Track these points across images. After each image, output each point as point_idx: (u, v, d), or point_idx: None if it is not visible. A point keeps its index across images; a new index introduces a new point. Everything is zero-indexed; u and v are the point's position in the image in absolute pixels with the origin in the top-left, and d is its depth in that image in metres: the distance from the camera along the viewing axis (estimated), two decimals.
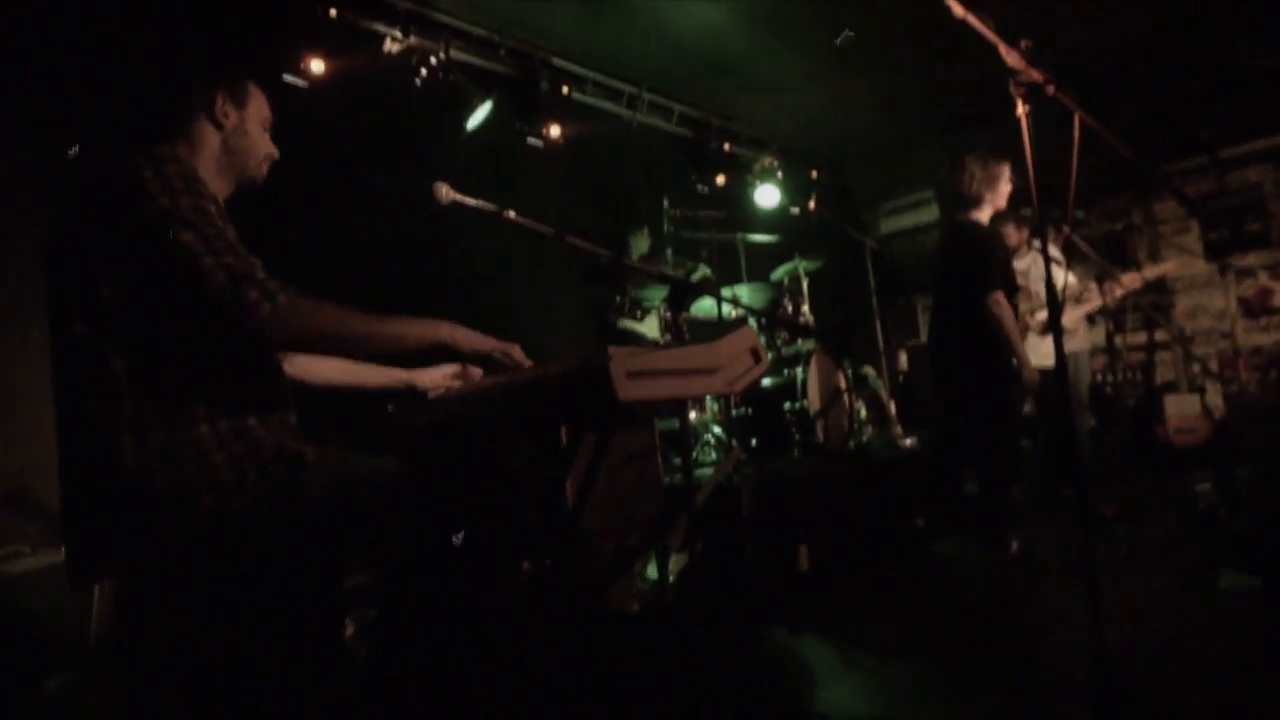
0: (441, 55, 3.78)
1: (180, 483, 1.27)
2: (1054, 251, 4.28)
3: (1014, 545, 3.20)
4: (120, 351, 1.29)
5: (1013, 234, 4.35)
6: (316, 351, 1.51)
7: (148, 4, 2.98)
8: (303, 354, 1.68)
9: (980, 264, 3.22)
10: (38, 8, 2.88)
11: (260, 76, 1.63)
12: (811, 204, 5.20)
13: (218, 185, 1.51)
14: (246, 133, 1.55)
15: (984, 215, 3.42)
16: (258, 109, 1.59)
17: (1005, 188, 3.38)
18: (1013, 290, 3.38)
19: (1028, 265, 4.28)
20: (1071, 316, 4.13)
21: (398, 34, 3.68)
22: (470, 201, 1.82)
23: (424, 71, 3.69)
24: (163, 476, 1.27)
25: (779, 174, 5.52)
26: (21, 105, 2.85)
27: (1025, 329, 4.18)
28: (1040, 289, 4.25)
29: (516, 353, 1.61)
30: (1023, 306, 4.15)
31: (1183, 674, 2.01)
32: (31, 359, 2.78)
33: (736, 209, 5.31)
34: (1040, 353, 4.19)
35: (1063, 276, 4.28)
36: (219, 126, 1.52)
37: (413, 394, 1.79)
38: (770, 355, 4.21)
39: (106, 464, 1.27)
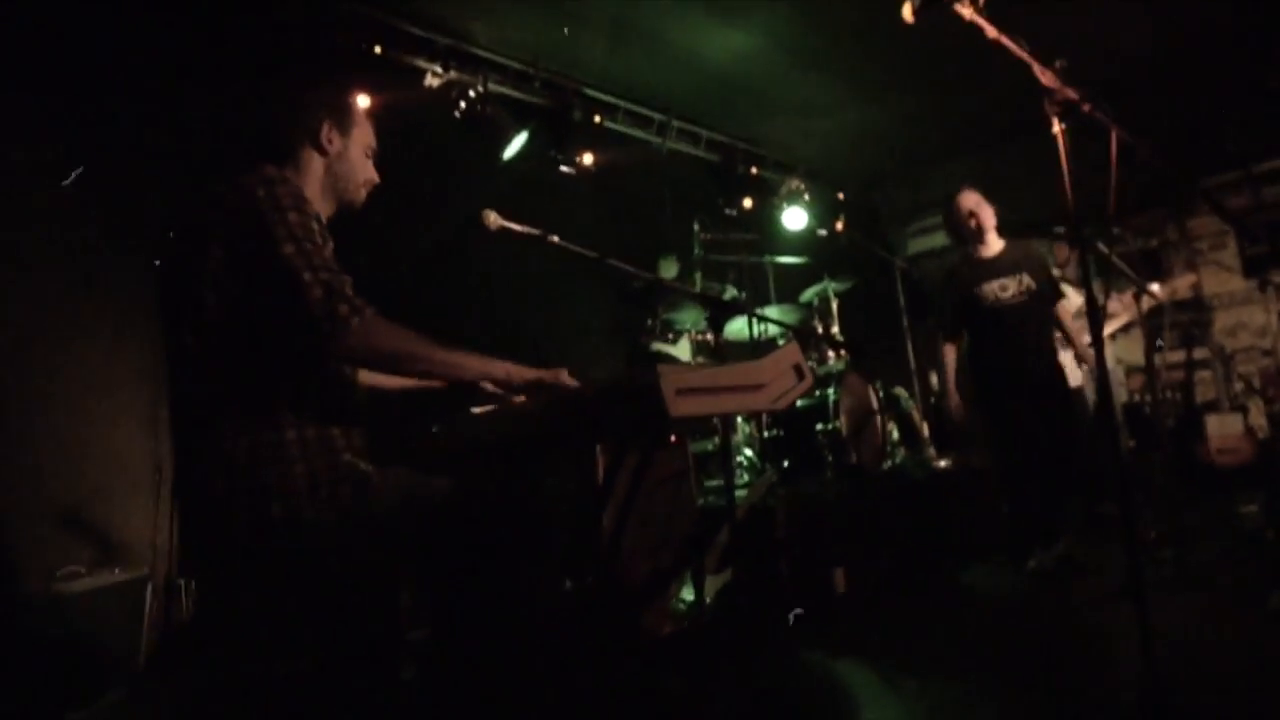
0: (480, 88, 3.91)
1: (258, 488, 1.34)
2: (1071, 273, 4.29)
3: (1031, 563, 3.22)
4: (223, 359, 1.39)
5: (1062, 251, 4.35)
6: (386, 369, 1.57)
7: (216, 45, 3.16)
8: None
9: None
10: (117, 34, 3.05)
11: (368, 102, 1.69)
12: (839, 225, 5.22)
13: (321, 206, 1.58)
14: (349, 159, 1.64)
15: (971, 250, 3.63)
16: (361, 136, 1.67)
17: (969, 221, 3.60)
18: (950, 332, 3.69)
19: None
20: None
21: (438, 69, 3.82)
22: (517, 228, 1.89)
23: (463, 104, 3.82)
24: (244, 482, 1.34)
25: (806, 196, 5.56)
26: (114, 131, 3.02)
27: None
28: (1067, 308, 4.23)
29: (564, 377, 1.65)
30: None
31: (1234, 695, 1.96)
32: (92, 382, 2.89)
33: (764, 232, 5.35)
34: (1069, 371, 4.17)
35: (1077, 297, 4.27)
36: (323, 152, 1.61)
37: (475, 393, 1.81)
38: None
39: (201, 467, 1.36)
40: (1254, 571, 2.89)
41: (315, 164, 1.61)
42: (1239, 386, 5.22)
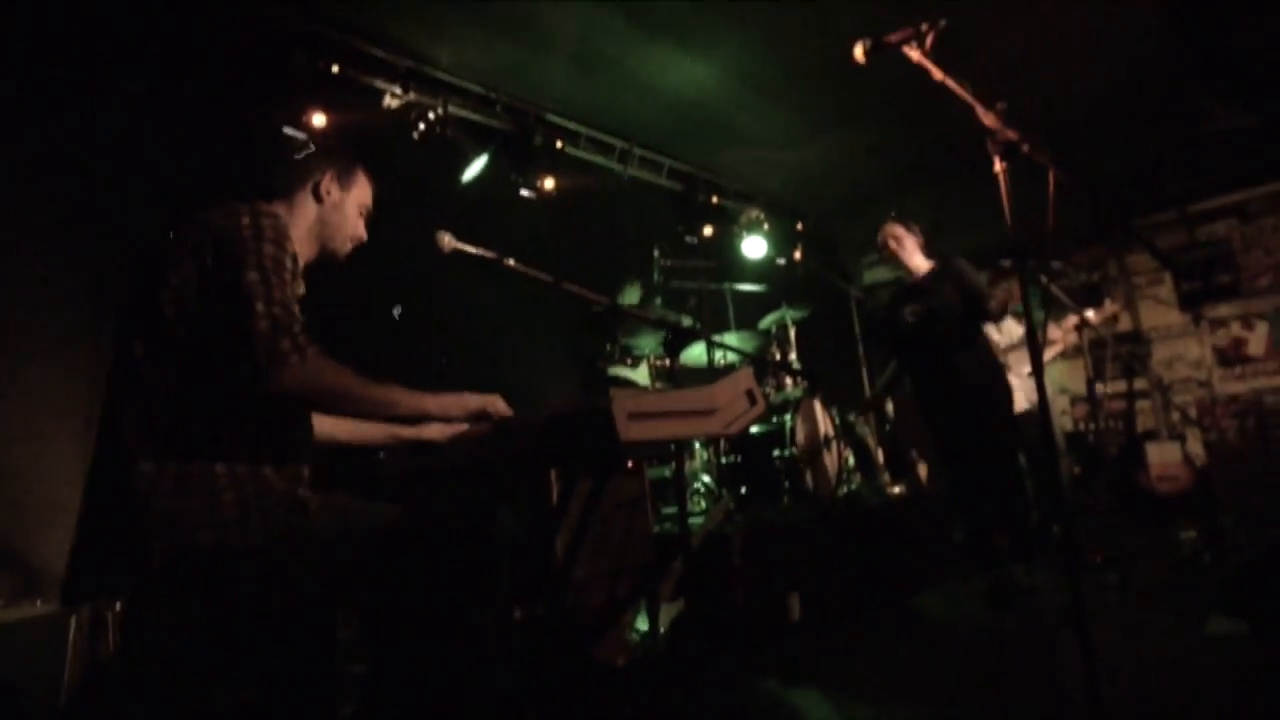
0: (440, 110, 3.90)
1: (182, 514, 1.30)
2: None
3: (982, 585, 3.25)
4: (165, 376, 1.36)
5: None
6: (321, 407, 1.57)
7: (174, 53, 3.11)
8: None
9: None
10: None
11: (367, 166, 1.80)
12: (797, 254, 5.32)
13: (303, 248, 1.63)
14: (343, 212, 1.70)
15: (903, 276, 3.76)
16: (360, 194, 1.74)
17: (885, 250, 3.75)
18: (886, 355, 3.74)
19: None
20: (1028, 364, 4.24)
21: (397, 90, 3.80)
22: (471, 249, 1.88)
23: (422, 126, 3.80)
24: (167, 505, 1.29)
25: (765, 225, 5.66)
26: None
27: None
28: (999, 339, 4.38)
29: (499, 404, 1.65)
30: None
31: (1173, 713, 2.01)
32: (21, 405, 2.76)
33: (724, 259, 5.42)
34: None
35: (1018, 328, 4.42)
36: (319, 199, 1.68)
37: (423, 447, 1.81)
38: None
39: (123, 483, 1.31)
40: (1193, 595, 2.97)
41: (309, 208, 1.67)
42: (1176, 416, 5.43)
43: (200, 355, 1.37)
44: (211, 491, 1.32)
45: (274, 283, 1.37)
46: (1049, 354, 4.22)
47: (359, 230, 1.75)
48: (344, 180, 1.70)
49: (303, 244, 1.61)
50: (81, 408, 2.86)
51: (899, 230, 3.70)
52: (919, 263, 3.69)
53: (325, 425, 1.75)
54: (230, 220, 1.41)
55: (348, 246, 1.73)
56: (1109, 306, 4.36)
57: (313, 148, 1.74)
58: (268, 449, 1.42)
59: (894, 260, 3.72)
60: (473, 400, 1.61)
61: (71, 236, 2.93)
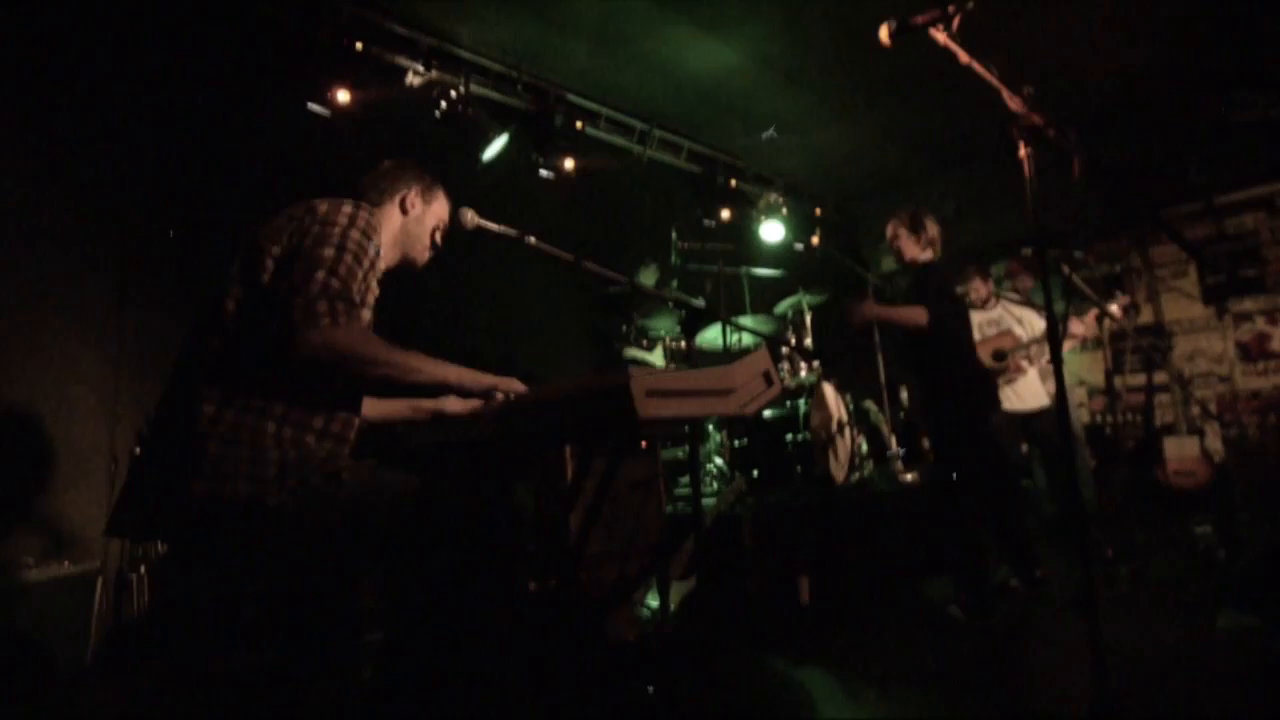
0: (461, 89, 3.90)
1: (227, 460, 1.35)
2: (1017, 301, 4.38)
3: (1012, 582, 3.17)
4: (249, 331, 1.44)
5: (980, 287, 4.45)
6: (345, 369, 1.59)
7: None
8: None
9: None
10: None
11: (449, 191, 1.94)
12: (815, 240, 5.30)
13: (386, 254, 1.74)
14: (424, 225, 1.85)
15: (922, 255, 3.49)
16: (439, 211, 1.88)
17: (892, 248, 3.45)
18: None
19: (999, 314, 4.38)
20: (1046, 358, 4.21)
21: (420, 68, 3.81)
22: (494, 227, 1.89)
23: (444, 104, 3.81)
24: (216, 449, 1.35)
25: (784, 210, 5.63)
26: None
27: (1015, 370, 4.25)
28: (1021, 332, 4.33)
29: (515, 384, 1.71)
30: (1007, 348, 4.23)
31: (1181, 706, 2.02)
32: (49, 375, 2.83)
33: (742, 243, 5.40)
34: (1024, 396, 4.25)
35: (1034, 320, 4.37)
36: (404, 212, 1.81)
37: (441, 420, 1.87)
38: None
39: (182, 421, 1.38)
40: (1205, 590, 2.96)
41: (394, 217, 1.80)
42: (1196, 411, 5.37)
43: (267, 311, 1.45)
44: (257, 446, 1.38)
45: (346, 261, 1.47)
46: (1067, 345, 4.16)
47: (438, 242, 1.88)
48: (427, 196, 1.84)
49: (386, 249, 1.73)
50: (104, 377, 2.93)
51: (900, 228, 3.36)
52: (915, 256, 3.36)
53: (371, 404, 1.82)
54: (333, 207, 1.55)
55: (425, 257, 1.87)
56: (1121, 298, 4.30)
57: (390, 164, 1.87)
58: (316, 419, 1.49)
59: (896, 253, 3.44)
60: (488, 379, 1.66)
61: (96, 212, 2.97)
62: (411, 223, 1.82)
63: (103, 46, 3.04)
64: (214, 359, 1.43)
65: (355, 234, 1.52)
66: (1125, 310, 4.33)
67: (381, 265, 1.65)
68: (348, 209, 1.55)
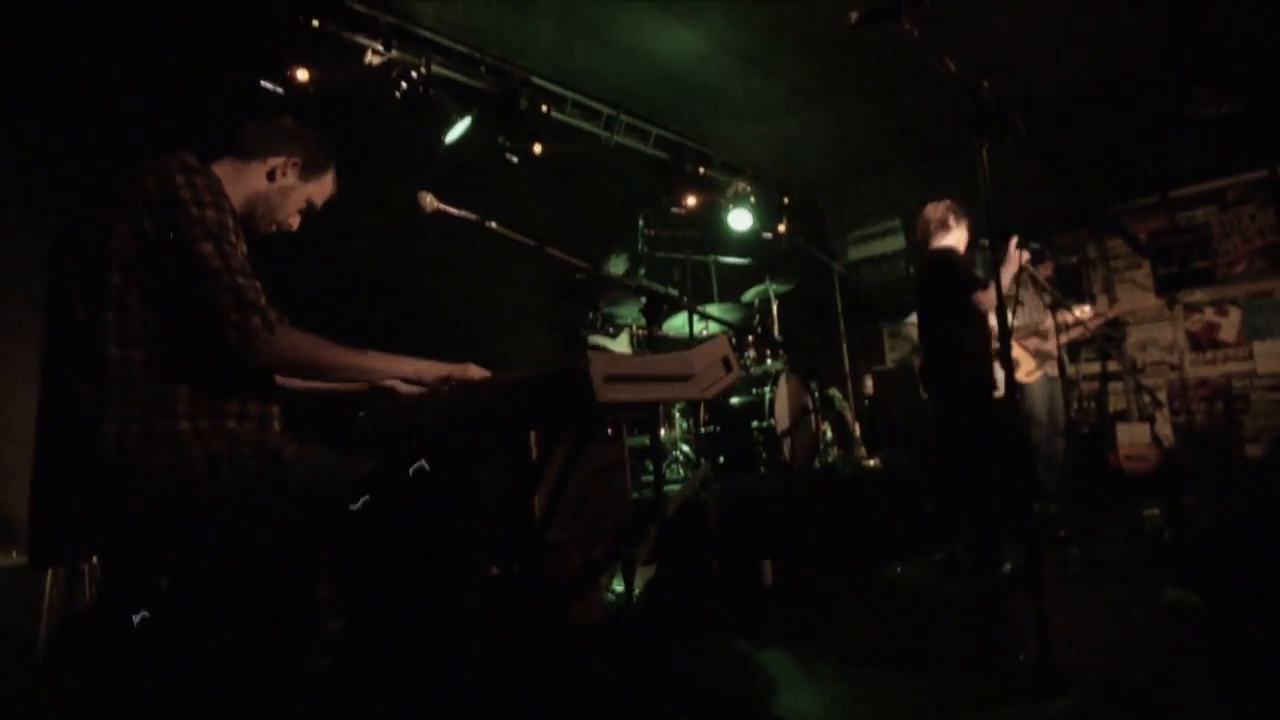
0: (422, 70, 3.83)
1: (152, 471, 1.30)
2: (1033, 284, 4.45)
3: (1006, 566, 3.20)
4: (118, 339, 1.33)
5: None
6: (297, 377, 1.58)
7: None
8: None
9: (949, 284, 3.44)
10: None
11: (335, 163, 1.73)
12: (781, 228, 5.33)
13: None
14: (287, 199, 1.65)
15: (946, 243, 3.58)
16: (315, 191, 1.70)
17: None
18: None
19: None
20: (1047, 345, 4.30)
21: (379, 47, 3.73)
22: (453, 211, 1.87)
23: (404, 85, 3.73)
24: (136, 464, 1.29)
25: (751, 199, 5.65)
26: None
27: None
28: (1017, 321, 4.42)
29: (473, 370, 1.67)
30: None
31: (1117, 670, 2.12)
32: None
33: (709, 231, 5.42)
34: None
35: (1015, 310, 4.46)
36: (270, 179, 1.62)
37: (383, 393, 1.81)
38: (740, 375, 4.28)
39: (86, 447, 1.29)
40: (1152, 569, 3.07)
41: (254, 180, 1.61)
42: (1147, 398, 5.54)
43: (159, 322, 1.36)
44: (178, 449, 1.32)
45: (227, 251, 1.35)
46: (1062, 339, 4.24)
47: (290, 221, 1.70)
48: (307, 173, 1.66)
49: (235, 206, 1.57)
50: None
51: (945, 211, 3.55)
52: (952, 244, 3.58)
53: (299, 380, 1.74)
54: (164, 180, 1.37)
55: (270, 230, 1.68)
56: (1088, 310, 4.44)
57: (289, 122, 1.68)
58: (229, 405, 1.41)
59: (928, 235, 3.59)
60: (444, 367, 1.62)
61: (35, 200, 2.86)
62: (274, 193, 1.63)
63: (46, 22, 2.92)
64: (90, 374, 1.32)
65: (210, 214, 1.37)
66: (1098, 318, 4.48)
67: (238, 223, 1.50)
68: (179, 178, 1.37)
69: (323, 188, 1.71)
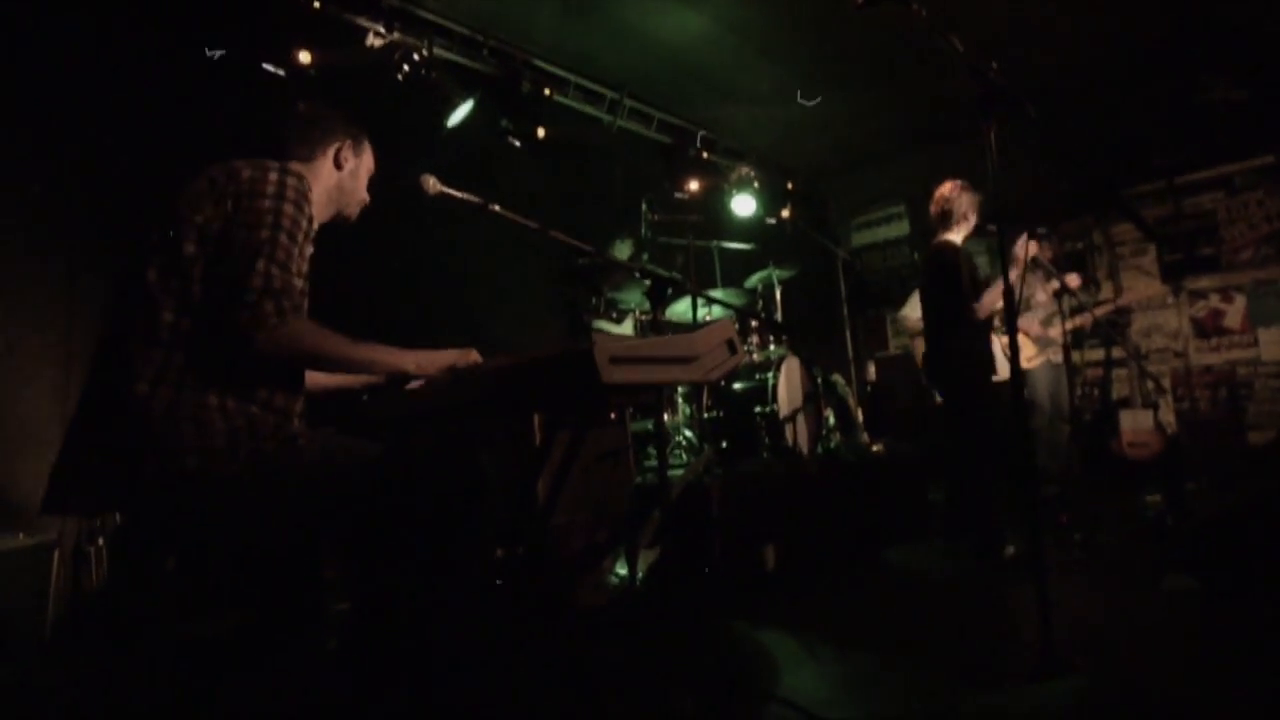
0: (424, 52, 3.80)
1: (173, 437, 1.32)
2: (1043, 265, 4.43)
3: (1009, 550, 3.21)
4: (175, 306, 1.39)
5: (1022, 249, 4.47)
6: (301, 367, 1.60)
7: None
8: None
9: (954, 280, 3.40)
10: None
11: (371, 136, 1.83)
12: (785, 213, 5.31)
13: (319, 212, 1.67)
14: (358, 178, 1.78)
15: (959, 237, 3.58)
16: (368, 162, 1.81)
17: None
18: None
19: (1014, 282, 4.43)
20: (1051, 332, 4.29)
21: (381, 29, 3.69)
22: (457, 194, 1.87)
23: (406, 67, 3.71)
24: (159, 428, 1.31)
25: (755, 184, 5.62)
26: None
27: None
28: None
29: (473, 356, 1.69)
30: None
31: (1118, 654, 2.14)
32: None
33: (713, 216, 5.39)
34: (1004, 363, 4.34)
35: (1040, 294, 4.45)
36: (339, 167, 1.74)
37: (396, 382, 1.82)
38: (743, 361, 4.28)
39: (117, 404, 1.34)
40: (1153, 555, 3.08)
41: (327, 173, 1.72)
42: (1151, 385, 5.53)
43: (205, 295, 1.40)
44: (201, 420, 1.35)
45: (282, 243, 1.41)
46: (1070, 324, 4.23)
47: (365, 195, 1.82)
48: (358, 147, 1.77)
49: (320, 208, 1.67)
50: (57, 350, 2.86)
51: (965, 199, 3.54)
52: (954, 238, 3.58)
53: (312, 376, 1.76)
54: (259, 174, 1.46)
55: (357, 211, 1.81)
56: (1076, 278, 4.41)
57: (320, 108, 1.77)
58: (258, 388, 1.44)
59: (944, 215, 3.57)
60: (447, 356, 1.64)
61: (45, 182, 2.87)
62: (346, 178, 1.75)
63: (45, 10, 2.90)
64: (140, 335, 1.38)
65: (288, 208, 1.45)
66: (1084, 284, 4.44)
67: (315, 229, 1.59)
68: (274, 176, 1.47)
69: (370, 156, 1.81)
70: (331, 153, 1.71)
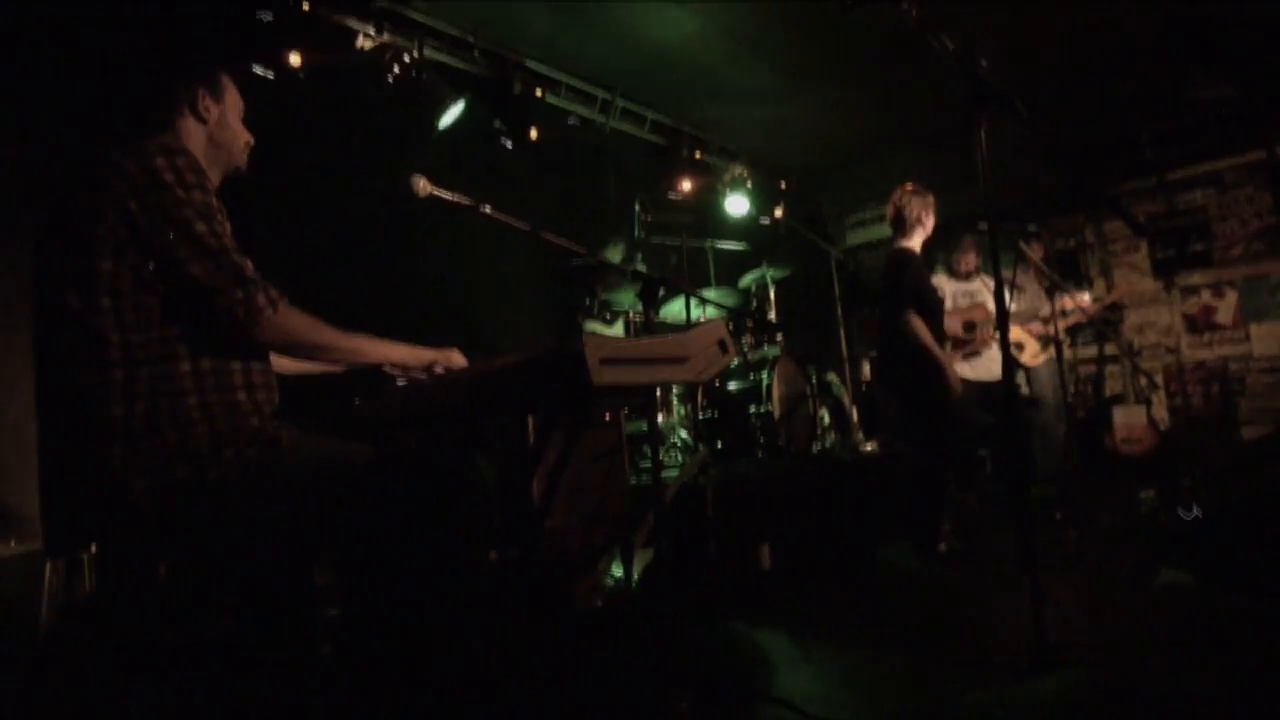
0: (415, 54, 3.79)
1: (158, 450, 1.30)
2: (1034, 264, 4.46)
3: (941, 546, 3.31)
4: (116, 325, 1.33)
5: (970, 260, 4.52)
6: (297, 356, 1.60)
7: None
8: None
9: (896, 286, 3.52)
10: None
11: (230, 67, 1.68)
12: (778, 213, 5.31)
13: (209, 175, 1.54)
14: (227, 124, 1.62)
15: (915, 243, 3.65)
16: (234, 100, 1.64)
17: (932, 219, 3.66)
18: (932, 309, 3.62)
19: (977, 287, 4.46)
20: (1048, 329, 4.31)
21: (371, 30, 3.68)
22: (447, 195, 1.85)
23: (396, 69, 3.70)
24: (143, 444, 1.30)
25: (748, 183, 5.62)
26: None
27: (981, 343, 4.34)
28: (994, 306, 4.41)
29: (456, 357, 1.67)
30: (978, 320, 4.31)
31: (1112, 650, 2.14)
32: None
33: (706, 216, 5.40)
34: (991, 367, 4.35)
35: (1011, 296, 4.46)
36: (202, 120, 1.58)
37: (378, 374, 1.80)
38: (737, 361, 4.29)
39: (94, 433, 1.30)
40: (1147, 551, 3.09)
41: (196, 133, 1.58)
42: (1144, 381, 5.55)
43: (156, 305, 1.36)
44: (184, 425, 1.33)
45: (219, 230, 1.36)
46: (1069, 322, 4.26)
47: (247, 135, 1.66)
48: (215, 91, 1.60)
49: (208, 172, 1.53)
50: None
51: (919, 208, 3.65)
52: (911, 245, 3.68)
53: (276, 361, 1.74)
54: (145, 164, 1.35)
55: (244, 157, 1.66)
56: (1086, 298, 4.46)
57: (159, 65, 1.66)
58: (234, 375, 1.43)
59: (901, 221, 3.68)
60: (428, 353, 1.63)
61: (24, 186, 2.84)
62: (215, 129, 1.59)
63: (29, 5, 2.88)
64: (89, 362, 1.32)
65: (197, 195, 1.36)
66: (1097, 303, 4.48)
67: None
68: (160, 161, 1.35)
69: (234, 91, 1.65)
70: (187, 109, 1.55)
